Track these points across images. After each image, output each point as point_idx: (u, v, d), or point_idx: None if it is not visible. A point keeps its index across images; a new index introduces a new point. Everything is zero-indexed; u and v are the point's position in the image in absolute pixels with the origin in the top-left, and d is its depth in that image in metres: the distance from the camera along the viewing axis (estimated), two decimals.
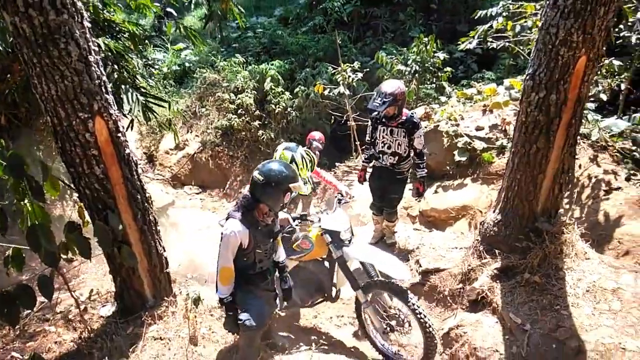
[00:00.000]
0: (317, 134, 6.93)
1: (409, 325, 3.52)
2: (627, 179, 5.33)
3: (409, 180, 5.45)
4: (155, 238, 3.38)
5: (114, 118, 2.99)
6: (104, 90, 2.92)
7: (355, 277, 3.58)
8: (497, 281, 3.77)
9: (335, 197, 4.07)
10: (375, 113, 4.57)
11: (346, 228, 3.64)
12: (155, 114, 5.95)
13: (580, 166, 5.65)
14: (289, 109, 9.44)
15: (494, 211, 4.05)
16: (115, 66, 5.17)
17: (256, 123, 9.38)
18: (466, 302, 3.89)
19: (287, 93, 9.44)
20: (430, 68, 8.84)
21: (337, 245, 3.57)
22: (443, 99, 8.40)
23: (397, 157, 4.71)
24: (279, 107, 9.35)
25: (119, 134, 3.04)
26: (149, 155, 10.31)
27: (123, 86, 5.33)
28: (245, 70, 9.78)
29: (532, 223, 3.77)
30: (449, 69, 8.74)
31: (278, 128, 9.50)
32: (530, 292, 3.58)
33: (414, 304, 3.31)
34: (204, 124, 9.94)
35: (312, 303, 3.86)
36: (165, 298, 3.51)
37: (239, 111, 9.48)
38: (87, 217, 3.24)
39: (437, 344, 3.39)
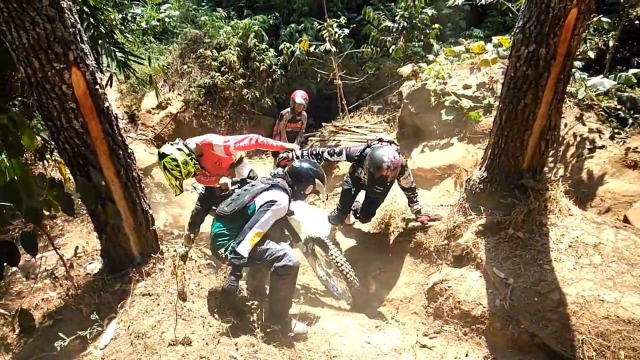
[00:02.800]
0: (299, 92, 6.82)
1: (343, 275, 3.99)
2: (611, 138, 5.39)
3: None
4: (139, 195, 3.32)
5: (91, 69, 2.86)
6: (79, 39, 2.77)
7: (296, 231, 3.91)
8: (482, 237, 3.83)
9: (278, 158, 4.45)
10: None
11: None
12: (134, 71, 5.75)
13: (565, 125, 5.68)
14: (273, 67, 9.21)
15: (480, 168, 4.07)
16: (92, 20, 4.93)
17: (240, 81, 9.16)
18: (451, 258, 3.95)
19: (272, 50, 9.18)
20: (418, 25, 8.67)
21: None
22: (431, 57, 8.27)
23: None
24: (263, 65, 9.12)
25: (97, 87, 2.91)
26: (130, 115, 10.03)
27: (100, 41, 5.10)
28: (228, 25, 9.44)
29: (518, 180, 3.79)
30: (437, 25, 8.57)
31: (263, 87, 9.30)
32: (514, 248, 3.65)
33: (332, 255, 3.88)
34: (187, 82, 9.67)
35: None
36: (153, 255, 3.48)
37: (222, 69, 9.22)
38: (69, 174, 3.16)
39: (358, 288, 3.93)
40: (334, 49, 7.88)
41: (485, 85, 6.58)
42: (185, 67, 9.81)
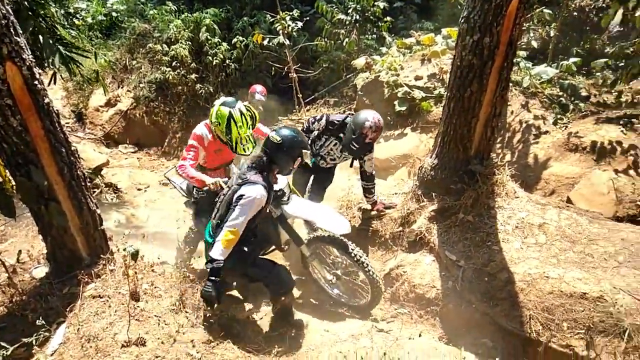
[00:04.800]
0: (258, 87, 6.75)
1: (355, 273, 3.70)
2: (555, 123, 5.66)
3: None
4: (85, 194, 3.19)
5: (28, 64, 2.71)
6: (12, 32, 2.62)
7: (297, 233, 3.63)
8: (434, 222, 3.94)
9: None
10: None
11: (282, 186, 3.56)
12: (79, 66, 5.51)
13: (512, 112, 5.92)
14: (227, 61, 9.06)
15: (430, 156, 4.17)
16: (31, 14, 4.67)
17: (193, 76, 8.95)
18: (405, 244, 4.05)
19: (225, 44, 9.01)
20: (371, 17, 8.75)
21: (275, 204, 3.51)
22: (384, 49, 8.38)
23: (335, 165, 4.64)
24: (216, 59, 8.94)
25: (36, 82, 2.77)
26: (77, 113, 9.64)
27: (41, 37, 4.85)
28: (178, 19, 9.19)
29: (466, 166, 3.92)
30: (389, 18, 8.68)
31: (217, 81, 9.12)
32: (464, 231, 3.78)
33: (355, 254, 3.49)
34: (136, 78, 9.36)
35: (264, 253, 3.78)
36: (102, 256, 3.36)
37: (174, 64, 8.98)
38: (8, 175, 3.00)
39: (381, 287, 3.57)
40: (287, 42, 7.84)
41: (435, 76, 6.74)
42: (134, 62, 9.49)
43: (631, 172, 4.66)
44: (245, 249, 3.21)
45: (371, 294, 3.60)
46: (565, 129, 5.46)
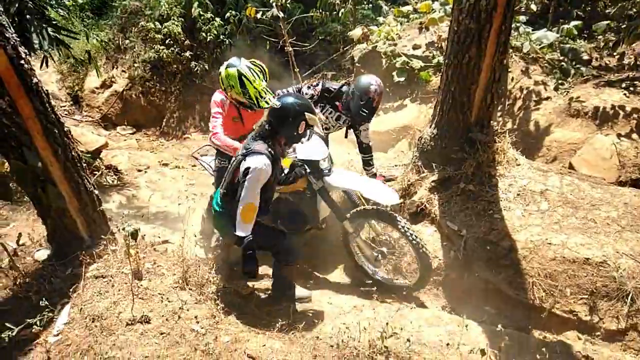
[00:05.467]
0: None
1: (401, 250, 3.64)
2: (556, 89, 5.57)
3: None
4: (82, 175, 3.16)
5: (12, 43, 2.64)
6: None
7: (339, 207, 3.48)
8: (435, 193, 3.91)
9: None
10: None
11: (324, 156, 3.42)
12: (69, 49, 5.41)
13: (512, 79, 5.81)
14: (221, 37, 8.88)
15: (430, 126, 4.11)
16: None
17: (187, 54, 8.78)
18: (407, 215, 4.02)
19: (218, 19, 8.81)
20: None
21: (317, 175, 3.38)
22: (381, 19, 8.19)
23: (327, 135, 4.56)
24: (210, 35, 8.76)
25: (22, 61, 2.70)
26: (73, 96, 9.52)
27: (29, 17, 4.74)
28: None
29: (466, 134, 3.86)
30: None
31: (211, 58, 8.96)
32: (465, 200, 3.75)
33: (405, 227, 3.31)
34: (130, 57, 9.20)
35: (299, 233, 3.78)
36: (103, 237, 3.37)
37: (167, 41, 8.80)
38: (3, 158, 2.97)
39: (431, 263, 3.41)
40: (282, 14, 7.66)
41: (434, 44, 6.61)
42: (127, 42, 9.31)
43: (634, 135, 4.61)
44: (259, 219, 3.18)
45: (419, 273, 3.40)
46: (566, 94, 5.36)
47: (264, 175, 2.98)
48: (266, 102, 3.51)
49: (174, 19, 8.84)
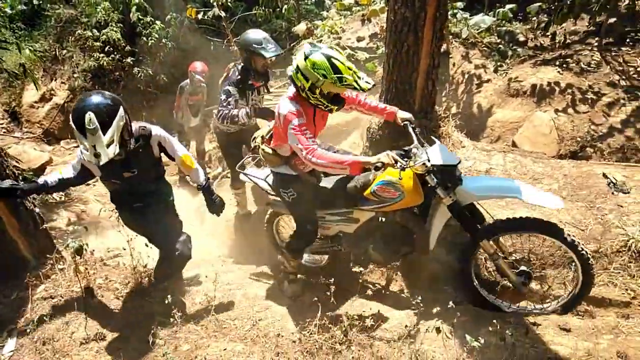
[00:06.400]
0: (198, 65, 6.48)
1: (542, 266, 3.07)
2: (495, 71, 5.77)
3: None
4: None
5: None
6: None
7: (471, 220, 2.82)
8: None
9: (404, 124, 3.02)
10: (273, 55, 3.95)
11: (453, 161, 2.73)
12: (1, 62, 5.14)
13: (454, 64, 5.98)
14: (164, 40, 8.67)
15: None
16: None
17: (129, 60, 8.53)
18: None
19: (159, 22, 8.60)
20: None
21: (450, 186, 2.69)
22: (325, 14, 8.23)
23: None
24: (151, 39, 8.54)
25: None
26: (11, 112, 9.06)
27: None
28: (105, 1, 8.67)
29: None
30: None
31: (155, 63, 8.75)
32: None
33: (570, 237, 2.66)
34: (69, 68, 8.85)
35: (397, 258, 3.24)
36: (49, 256, 3.22)
37: (107, 49, 8.52)
38: None
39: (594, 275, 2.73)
40: (223, 14, 7.57)
41: (377, 35, 6.70)
42: (65, 52, 8.95)
43: (570, 110, 4.84)
44: None
45: (577, 289, 2.73)
46: (505, 75, 5.57)
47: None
48: (367, 83, 2.84)
49: (112, 25, 8.57)
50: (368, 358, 2.51)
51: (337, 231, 3.35)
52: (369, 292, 3.28)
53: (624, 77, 4.96)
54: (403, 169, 2.56)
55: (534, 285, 2.93)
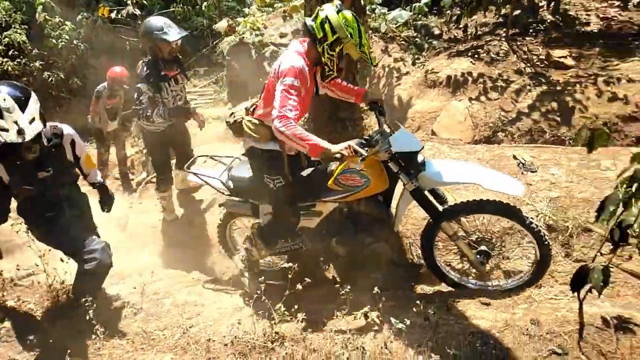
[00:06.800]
0: (117, 69, 6.11)
1: (501, 243, 3.11)
2: (413, 64, 5.99)
3: None
4: None
5: None
6: None
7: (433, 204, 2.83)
8: None
9: (370, 106, 2.98)
10: (178, 38, 3.85)
11: (416, 148, 2.71)
12: None
13: (374, 59, 6.13)
14: (75, 42, 8.15)
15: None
16: None
17: (37, 64, 7.94)
18: None
19: (69, 23, 8.07)
20: None
21: (412, 172, 2.70)
22: (247, 10, 8.14)
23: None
24: (62, 41, 8.00)
25: None
26: None
27: None
28: (5, 0, 8.00)
29: (335, 115, 4.00)
30: None
31: (67, 65, 8.21)
32: None
33: (528, 218, 2.70)
34: None
35: (363, 249, 3.18)
36: None
37: (11, 52, 7.87)
38: None
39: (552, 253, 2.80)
40: (139, 12, 7.25)
41: (299, 31, 6.71)
42: None
43: (482, 98, 5.13)
44: None
45: (536, 266, 2.81)
46: (422, 67, 5.80)
47: None
48: (376, 58, 2.74)
49: (15, 27, 7.92)
50: (301, 352, 2.51)
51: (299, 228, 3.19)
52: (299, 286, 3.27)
53: (529, 64, 5.34)
54: (364, 159, 2.53)
55: (494, 263, 3.01)
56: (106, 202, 3.29)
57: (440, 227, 2.84)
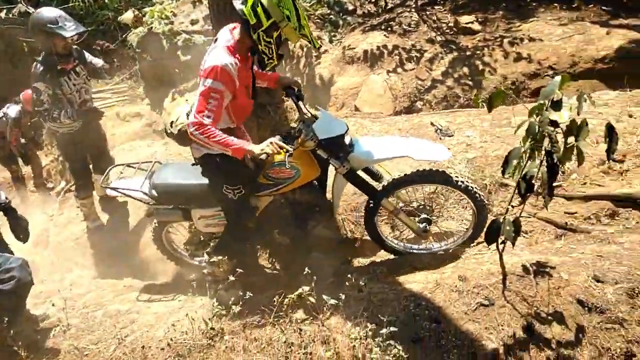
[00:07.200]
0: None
1: (439, 209, 3.24)
2: (330, 41, 5.99)
3: None
4: None
5: None
6: None
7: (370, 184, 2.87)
8: None
9: (286, 91, 2.89)
10: (74, 34, 3.53)
11: (341, 130, 2.67)
12: None
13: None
14: None
15: None
16: None
17: None
18: None
19: None
20: None
21: (342, 156, 2.66)
22: None
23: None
24: None
25: None
26: None
27: None
28: None
29: (255, 100, 3.91)
30: None
31: None
32: None
33: (459, 179, 2.79)
34: None
35: (305, 234, 3.14)
36: None
37: None
38: None
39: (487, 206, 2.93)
40: (32, 9, 6.65)
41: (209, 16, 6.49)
42: None
43: (399, 69, 5.25)
44: None
45: (473, 226, 2.96)
46: (340, 44, 5.83)
47: None
48: (319, 42, 2.44)
49: None
50: (242, 343, 2.49)
51: None
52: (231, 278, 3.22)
53: (439, 33, 5.52)
54: (290, 154, 2.49)
55: (434, 228, 3.09)
56: (16, 229, 2.90)
57: (380, 205, 2.89)
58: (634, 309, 2.20)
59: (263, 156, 2.44)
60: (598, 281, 2.32)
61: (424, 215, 2.95)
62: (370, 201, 2.90)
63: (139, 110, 6.83)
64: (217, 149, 2.43)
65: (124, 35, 7.87)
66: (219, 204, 2.91)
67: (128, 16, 6.81)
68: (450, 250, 3.00)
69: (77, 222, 4.68)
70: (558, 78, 1.66)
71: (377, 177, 2.94)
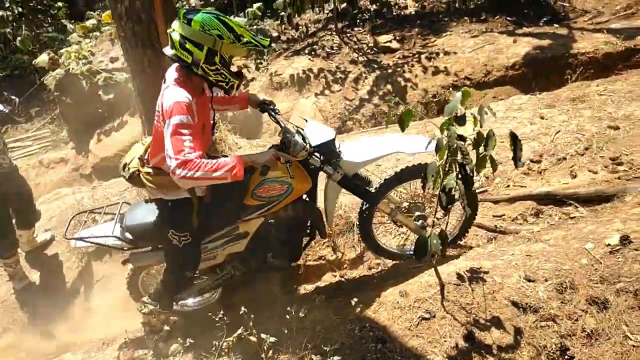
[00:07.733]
0: None
1: (428, 205, 3.08)
2: (257, 69, 6.00)
3: None
4: None
5: None
6: None
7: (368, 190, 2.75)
8: None
9: (261, 107, 2.78)
10: None
11: (330, 137, 2.57)
12: None
13: None
14: None
15: (147, 135, 3.93)
16: None
17: None
18: None
19: None
20: (39, 7, 7.60)
21: (334, 161, 2.57)
22: (70, 39, 7.43)
23: None
24: None
25: None
26: None
27: None
28: None
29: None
30: (61, 4, 7.67)
31: None
32: None
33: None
34: None
35: (301, 252, 2.99)
36: None
37: None
38: None
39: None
40: None
41: None
42: None
43: (327, 91, 5.34)
44: None
45: (463, 220, 2.92)
46: (266, 71, 5.85)
47: None
48: (267, 41, 2.30)
49: None
50: None
51: (226, 256, 2.85)
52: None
53: (361, 53, 5.68)
54: (290, 163, 2.34)
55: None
56: None
57: (376, 208, 2.82)
58: (564, 304, 2.29)
59: (269, 164, 2.30)
60: (529, 281, 2.39)
61: (418, 213, 2.90)
62: (365, 206, 2.83)
63: (63, 155, 6.51)
64: (213, 181, 2.14)
65: (41, 79, 7.51)
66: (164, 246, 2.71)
67: (43, 59, 6.52)
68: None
69: (1, 284, 4.32)
70: (459, 94, 1.72)
71: (366, 181, 2.82)
